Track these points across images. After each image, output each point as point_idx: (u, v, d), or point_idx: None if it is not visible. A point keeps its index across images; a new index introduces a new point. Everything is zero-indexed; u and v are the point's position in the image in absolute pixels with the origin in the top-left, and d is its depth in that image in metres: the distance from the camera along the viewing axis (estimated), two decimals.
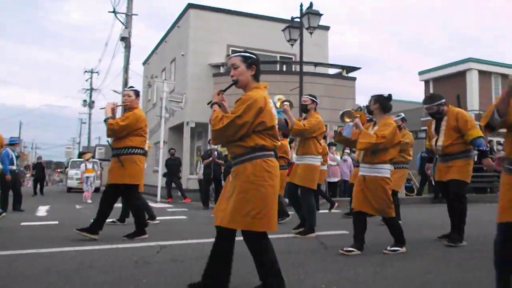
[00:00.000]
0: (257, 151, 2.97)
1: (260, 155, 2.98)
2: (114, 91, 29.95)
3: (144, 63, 28.43)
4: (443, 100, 5.46)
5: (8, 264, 4.21)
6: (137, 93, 6.01)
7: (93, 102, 42.97)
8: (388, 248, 4.75)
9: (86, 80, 42.88)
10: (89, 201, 14.22)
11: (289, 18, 13.52)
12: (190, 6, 18.94)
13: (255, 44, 18.83)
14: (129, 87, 6.24)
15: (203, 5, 19.24)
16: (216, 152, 11.69)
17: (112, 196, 5.79)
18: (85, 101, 43.70)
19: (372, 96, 4.97)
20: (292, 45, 13.34)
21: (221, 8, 19.41)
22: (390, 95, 4.90)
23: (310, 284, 3.49)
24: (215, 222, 3.06)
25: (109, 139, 5.86)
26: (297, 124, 5.87)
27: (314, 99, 6.20)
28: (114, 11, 22.58)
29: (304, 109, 6.24)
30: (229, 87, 3.19)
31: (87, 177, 15.03)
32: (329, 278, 3.65)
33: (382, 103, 4.86)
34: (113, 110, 5.75)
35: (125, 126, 5.59)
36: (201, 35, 18.50)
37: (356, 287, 3.48)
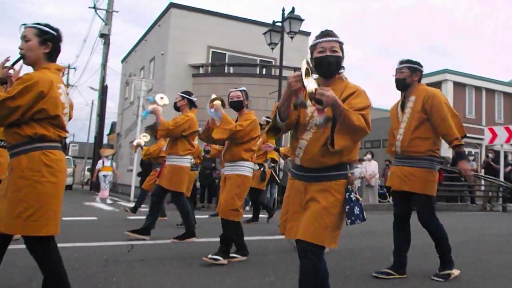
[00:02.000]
0: (36, 142, 2.54)
1: (39, 147, 2.55)
2: (91, 88, 29.64)
3: (122, 61, 28.10)
4: (422, 69, 4.07)
5: None
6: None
7: None
8: (209, 256, 4.22)
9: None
10: (109, 201, 13.19)
11: (271, 22, 13.58)
12: (171, 5, 18.81)
13: (236, 46, 18.83)
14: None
15: (185, 5, 19.14)
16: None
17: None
18: None
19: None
20: (272, 49, 13.38)
21: (202, 9, 19.34)
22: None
23: (279, 286, 3.49)
24: None
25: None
26: (162, 124, 5.44)
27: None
28: (94, 7, 22.33)
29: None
30: (15, 62, 2.72)
31: (105, 176, 13.20)
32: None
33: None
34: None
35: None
36: (182, 35, 18.39)
37: None
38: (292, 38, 12.78)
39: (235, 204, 4.35)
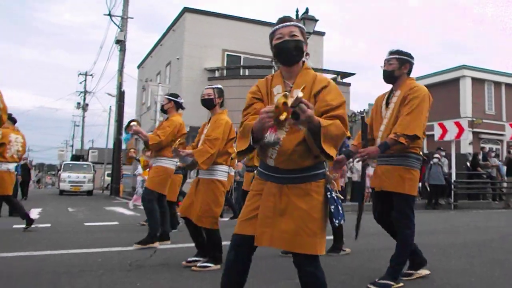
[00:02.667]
0: None
1: None
2: (109, 94, 29.98)
3: (139, 66, 28.39)
4: (412, 61, 3.73)
5: None
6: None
7: (87, 104, 42.84)
8: (199, 264, 4.22)
9: (80, 83, 42.76)
10: (131, 206, 12.84)
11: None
12: (186, 10, 18.95)
13: (250, 48, 18.87)
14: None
15: (199, 9, 19.27)
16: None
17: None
18: (78, 103, 43.62)
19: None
20: None
21: (216, 13, 19.44)
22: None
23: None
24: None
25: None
26: (152, 139, 5.39)
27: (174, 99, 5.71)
28: (109, 14, 22.59)
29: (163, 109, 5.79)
30: None
31: (143, 181, 12.29)
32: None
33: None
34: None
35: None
36: (197, 39, 18.51)
37: None
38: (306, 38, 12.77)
39: (211, 211, 4.18)
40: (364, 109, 30.97)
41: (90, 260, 4.53)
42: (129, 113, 73.28)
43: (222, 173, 4.34)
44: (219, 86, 4.58)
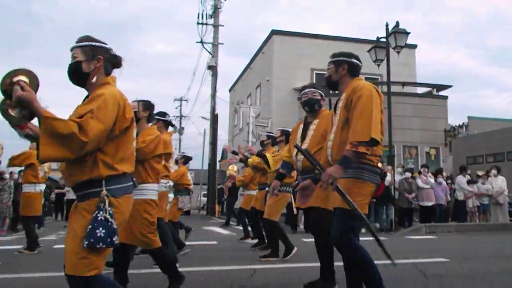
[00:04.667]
0: None
1: None
2: (203, 117, 31.30)
3: (230, 90, 29.38)
4: (349, 60, 3.34)
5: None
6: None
7: (183, 128, 45.00)
8: None
9: (176, 108, 45.13)
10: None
11: (374, 39, 13.34)
12: (274, 32, 19.37)
13: None
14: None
15: (287, 31, 19.59)
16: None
17: None
18: (175, 127, 45.89)
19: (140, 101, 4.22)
20: (378, 65, 13.08)
21: (304, 33, 19.64)
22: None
23: None
24: None
25: None
26: None
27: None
28: (201, 41, 23.74)
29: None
30: None
31: None
32: None
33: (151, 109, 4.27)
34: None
35: None
36: (285, 60, 18.79)
37: None
38: (398, 53, 12.41)
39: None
40: (463, 123, 29.16)
41: (192, 278, 4.68)
42: (222, 135, 75.79)
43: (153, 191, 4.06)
44: (145, 100, 4.24)
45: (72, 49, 2.38)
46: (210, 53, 23.37)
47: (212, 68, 23.29)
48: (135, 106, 4.10)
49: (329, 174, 2.87)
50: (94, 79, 2.35)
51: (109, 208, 2.17)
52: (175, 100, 44.80)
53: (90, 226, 2.13)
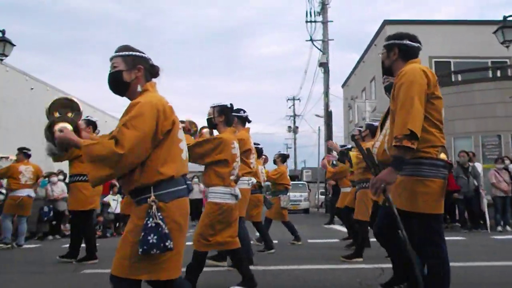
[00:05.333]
0: None
1: None
2: (317, 115, 31.33)
3: (343, 85, 29.04)
4: (401, 42, 3.04)
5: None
6: None
7: (297, 127, 45.45)
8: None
9: (289, 107, 45.70)
10: None
11: (500, 19, 12.23)
12: (386, 22, 18.75)
13: (461, 51, 17.55)
14: None
15: (400, 20, 18.85)
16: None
17: None
18: (289, 127, 46.49)
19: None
20: (507, 47, 11.98)
21: (418, 20, 18.72)
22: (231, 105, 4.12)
23: None
24: None
25: None
26: None
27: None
28: (311, 39, 23.78)
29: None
30: None
31: None
32: None
33: (227, 114, 4.08)
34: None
35: None
36: None
37: None
38: None
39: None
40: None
41: (320, 276, 4.78)
42: (336, 131, 75.02)
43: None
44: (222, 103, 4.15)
45: (112, 59, 2.43)
46: (321, 50, 23.29)
47: (324, 65, 23.19)
48: (211, 112, 4.09)
49: (379, 179, 2.67)
50: (138, 88, 2.41)
51: (159, 214, 2.21)
52: (288, 99, 45.49)
53: (142, 233, 2.19)
